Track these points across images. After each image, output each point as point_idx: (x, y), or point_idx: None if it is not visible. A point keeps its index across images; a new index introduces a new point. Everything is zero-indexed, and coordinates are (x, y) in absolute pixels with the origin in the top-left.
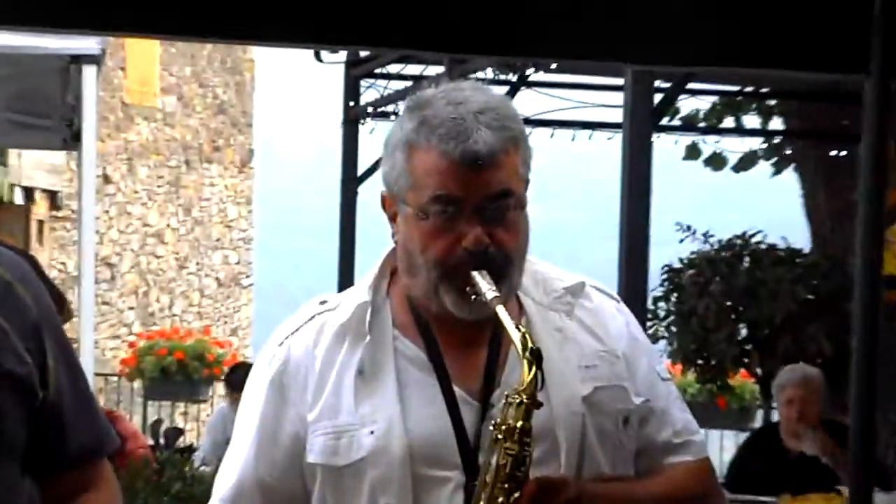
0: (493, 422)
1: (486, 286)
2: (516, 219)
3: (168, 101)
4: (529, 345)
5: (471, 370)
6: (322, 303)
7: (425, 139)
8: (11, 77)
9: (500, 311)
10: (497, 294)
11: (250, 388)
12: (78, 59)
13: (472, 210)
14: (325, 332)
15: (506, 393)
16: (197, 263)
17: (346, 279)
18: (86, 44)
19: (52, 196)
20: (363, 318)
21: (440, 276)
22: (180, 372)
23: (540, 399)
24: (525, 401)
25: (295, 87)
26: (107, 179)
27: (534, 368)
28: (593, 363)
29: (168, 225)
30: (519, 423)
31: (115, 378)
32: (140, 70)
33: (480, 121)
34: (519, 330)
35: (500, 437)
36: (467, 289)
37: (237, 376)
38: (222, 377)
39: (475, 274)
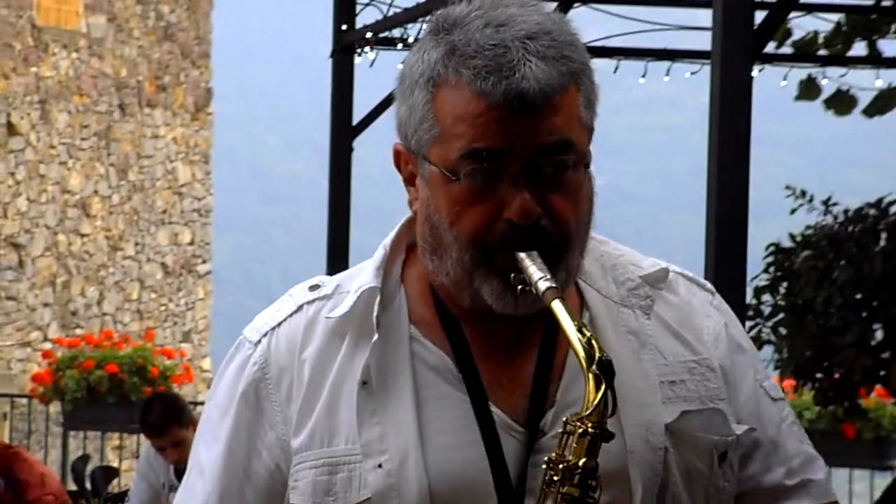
0: (545, 457)
1: (537, 272)
2: (578, 181)
3: (95, 22)
4: (597, 354)
5: (514, 384)
6: (313, 288)
7: (455, 74)
8: None
9: (557, 305)
10: (552, 283)
11: (213, 406)
12: None
13: (520, 169)
14: (318, 328)
15: (564, 419)
16: (136, 244)
17: (337, 261)
18: None
19: None
20: (370, 309)
21: (475, 258)
22: (113, 391)
23: (610, 429)
24: (590, 430)
25: (267, 4)
26: (11, 130)
27: (602, 387)
28: (680, 378)
29: (96, 192)
30: (581, 461)
31: (25, 400)
32: None
33: (530, 49)
34: (583, 333)
35: (554, 478)
36: (512, 275)
37: (156, 416)
38: None
39: (523, 256)
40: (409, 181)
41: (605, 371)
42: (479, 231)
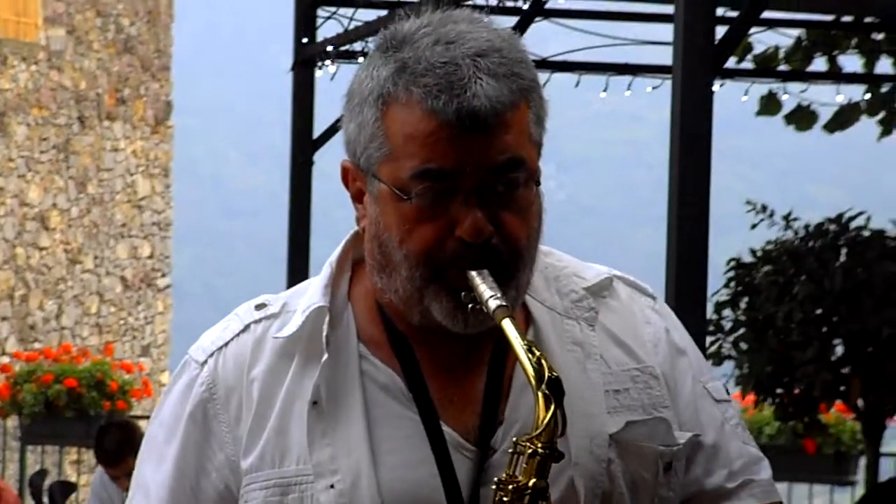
0: (495, 476)
1: (487, 291)
2: (529, 198)
3: (54, 35)
4: (546, 373)
5: (465, 402)
6: (259, 307)
7: (405, 91)
8: None
9: (507, 324)
10: (503, 302)
11: (158, 426)
12: None
13: (472, 187)
14: (266, 348)
15: (514, 439)
16: (95, 257)
17: (297, 275)
18: None
19: None
20: (319, 329)
21: (425, 275)
22: (71, 406)
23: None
24: (540, 450)
25: (228, 17)
26: None
27: (552, 406)
28: (624, 386)
29: (54, 205)
30: (531, 481)
31: None
32: None
33: (480, 66)
34: (532, 352)
35: (504, 498)
36: (462, 294)
37: (112, 443)
38: (129, 413)
39: (473, 274)
40: (357, 198)
41: (554, 390)
42: (430, 249)
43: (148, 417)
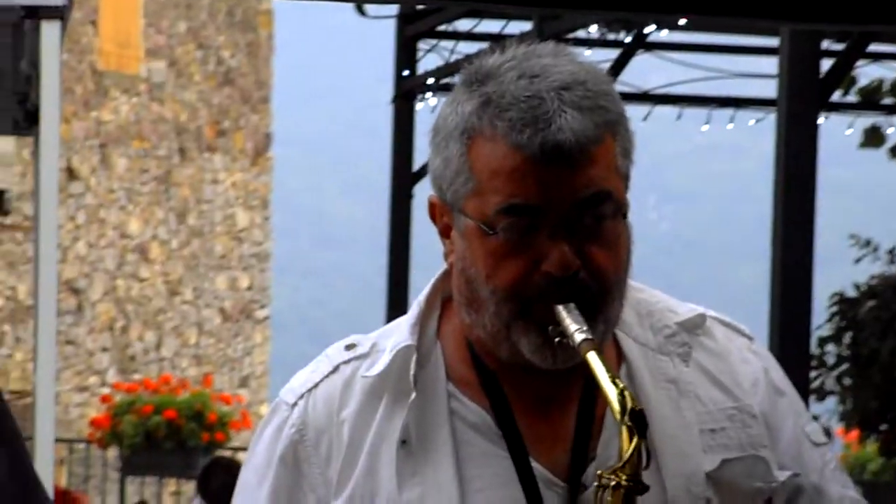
0: None
1: (573, 324)
2: (616, 231)
3: (155, 67)
4: (629, 405)
5: (555, 439)
6: (349, 347)
7: (490, 126)
8: None
9: (592, 357)
10: (589, 336)
11: (251, 468)
12: (35, 12)
13: (557, 222)
14: (355, 388)
15: (598, 472)
16: (194, 289)
17: (396, 307)
18: None
19: None
20: (406, 368)
21: (513, 310)
22: (171, 437)
23: (647, 480)
24: (624, 483)
25: (328, 49)
26: (72, 174)
27: (635, 439)
28: (720, 425)
29: (155, 236)
30: None
31: (83, 445)
32: (117, 25)
33: (565, 100)
34: (616, 384)
35: None
36: (550, 328)
37: (216, 482)
38: (227, 444)
39: (560, 308)
40: (444, 233)
41: (637, 422)
42: (517, 284)
43: (245, 449)
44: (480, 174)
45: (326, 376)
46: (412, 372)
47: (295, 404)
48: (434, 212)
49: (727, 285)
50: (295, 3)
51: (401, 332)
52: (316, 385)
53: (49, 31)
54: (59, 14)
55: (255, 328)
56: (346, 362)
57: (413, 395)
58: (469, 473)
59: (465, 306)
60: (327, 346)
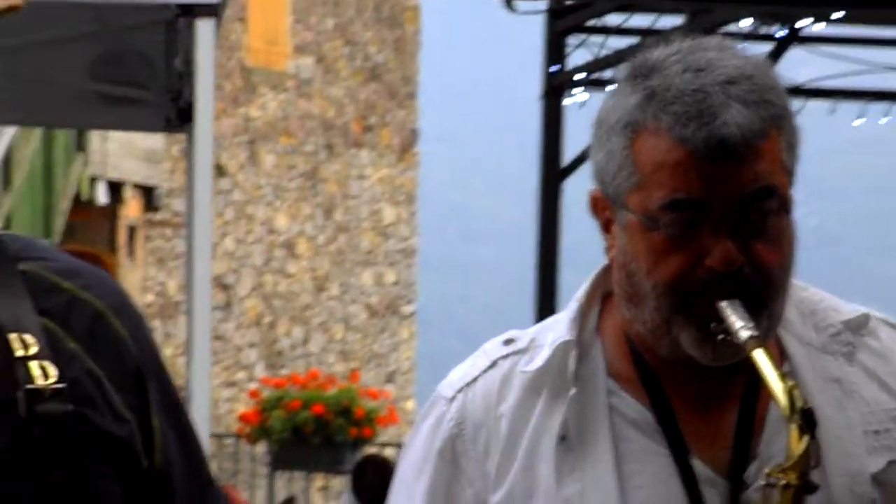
0: None
1: (738, 321)
2: (780, 227)
3: (303, 63)
4: (799, 404)
5: (715, 437)
6: (507, 342)
7: (654, 119)
8: (96, 35)
9: (759, 355)
10: (754, 332)
11: (408, 463)
12: (190, 10)
13: (721, 217)
14: (514, 383)
15: (766, 471)
16: (341, 284)
17: (545, 306)
18: None
19: (148, 193)
20: (565, 362)
21: (674, 305)
22: (319, 432)
23: (815, 480)
24: (794, 482)
25: (475, 45)
26: (220, 171)
27: (805, 437)
28: (884, 427)
29: (302, 232)
30: None
31: (232, 439)
32: (266, 22)
33: (731, 94)
34: (784, 382)
35: None
36: (712, 325)
37: (368, 481)
38: (374, 440)
39: (724, 304)
40: (606, 228)
41: (807, 421)
42: (679, 279)
43: (393, 445)
44: (644, 168)
45: (484, 371)
46: (571, 367)
47: (453, 398)
48: (596, 206)
49: (872, 281)
50: None
51: (560, 327)
52: (474, 380)
53: (204, 29)
54: (214, 12)
55: (402, 324)
56: (505, 357)
57: (573, 391)
58: (628, 469)
59: (626, 301)
60: (473, 342)
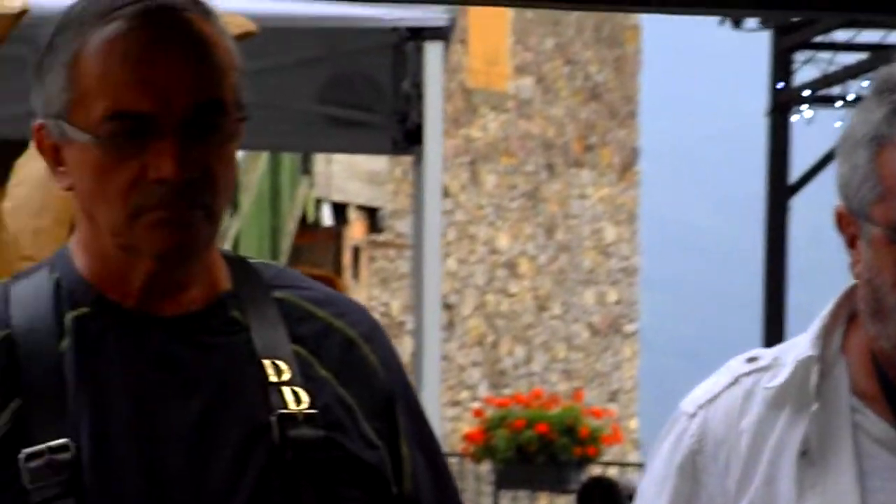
0: None
1: None
2: None
3: (523, 84)
4: None
5: None
6: (750, 360)
7: None
8: (326, 59)
9: None
10: None
11: (649, 480)
12: (419, 34)
13: None
14: (756, 399)
15: None
16: (563, 304)
17: (773, 326)
18: (428, 12)
19: (371, 215)
20: (807, 378)
21: None
22: (543, 451)
23: None
24: None
25: (696, 62)
26: (442, 191)
27: None
28: None
29: (524, 252)
30: None
31: (456, 459)
32: (486, 43)
33: None
34: None
35: None
36: None
37: (595, 502)
38: (598, 459)
39: None
40: (851, 244)
41: None
42: None
43: (616, 464)
44: (887, 181)
45: (727, 388)
46: (814, 382)
47: (694, 415)
48: (841, 222)
49: None
50: (662, 17)
51: (803, 344)
52: (716, 396)
53: (432, 52)
54: (443, 35)
55: (624, 342)
56: (747, 374)
57: (814, 406)
58: (871, 486)
59: (871, 317)
60: (696, 362)
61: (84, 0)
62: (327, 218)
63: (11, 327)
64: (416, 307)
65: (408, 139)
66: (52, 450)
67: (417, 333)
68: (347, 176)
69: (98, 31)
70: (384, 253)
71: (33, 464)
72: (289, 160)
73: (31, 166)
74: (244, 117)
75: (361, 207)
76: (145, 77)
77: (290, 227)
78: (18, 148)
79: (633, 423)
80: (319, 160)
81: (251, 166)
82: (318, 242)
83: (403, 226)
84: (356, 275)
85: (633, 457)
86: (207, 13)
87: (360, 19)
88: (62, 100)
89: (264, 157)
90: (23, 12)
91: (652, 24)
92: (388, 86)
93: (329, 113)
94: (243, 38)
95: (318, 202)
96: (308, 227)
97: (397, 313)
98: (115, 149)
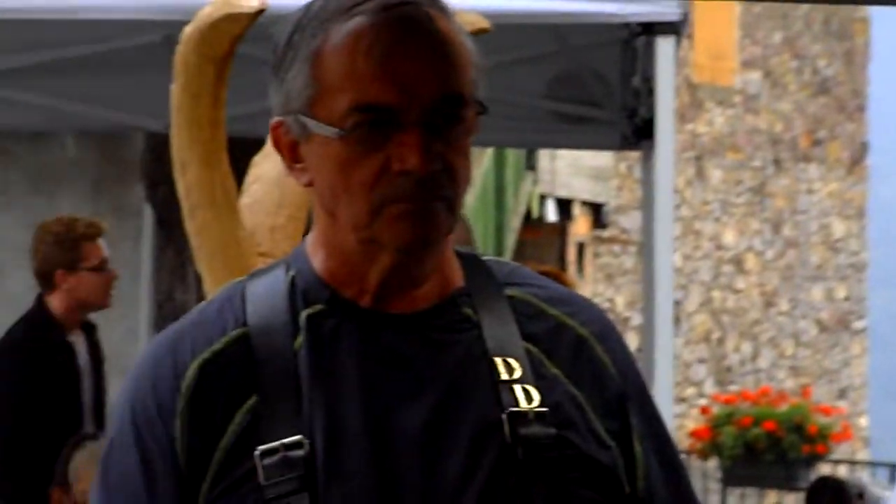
0: None
1: None
2: None
3: (750, 78)
4: None
5: None
6: None
7: None
8: (555, 55)
9: None
10: None
11: None
12: (650, 29)
13: None
14: None
15: None
16: (790, 300)
17: None
18: (660, 7)
19: (596, 210)
20: None
21: None
22: (771, 449)
23: None
24: None
25: None
26: None
27: None
28: None
29: (750, 247)
30: None
31: (683, 456)
32: (713, 38)
33: None
34: None
35: None
36: None
37: (825, 500)
38: (828, 457)
39: None
40: None
41: None
42: None
43: (846, 462)
44: None
45: None
46: None
47: None
48: None
49: None
50: (892, 9)
51: None
52: None
53: (664, 47)
54: (675, 29)
55: (853, 339)
56: None
57: None
58: None
59: None
60: None
61: None
62: (552, 214)
63: (248, 325)
64: (645, 305)
65: (636, 135)
66: (286, 446)
67: (647, 331)
68: (572, 172)
69: (340, 27)
70: (608, 249)
71: (268, 460)
72: (513, 156)
73: (266, 164)
74: (482, 111)
75: (586, 203)
76: (390, 70)
77: (514, 223)
78: (254, 145)
79: (863, 421)
80: (544, 156)
81: (475, 162)
82: (543, 238)
83: (627, 221)
84: (581, 271)
85: (862, 455)
86: (444, 10)
87: (592, 15)
88: (304, 95)
89: (489, 153)
90: (260, 11)
91: (881, 16)
92: (616, 81)
93: (556, 109)
94: (476, 34)
95: (543, 198)
96: (532, 223)
97: (622, 309)
98: (360, 142)
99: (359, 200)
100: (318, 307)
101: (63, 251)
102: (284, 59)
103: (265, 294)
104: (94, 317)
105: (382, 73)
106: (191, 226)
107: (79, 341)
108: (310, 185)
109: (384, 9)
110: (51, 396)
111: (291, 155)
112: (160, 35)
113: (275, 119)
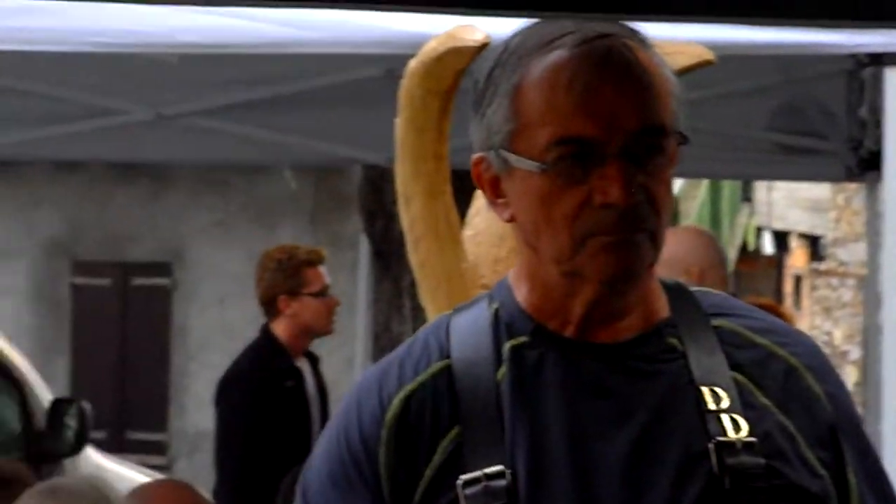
0: None
1: None
2: None
3: None
4: None
5: None
6: None
7: None
8: (779, 86)
9: None
10: None
11: None
12: (878, 59)
13: None
14: None
15: None
16: None
17: None
18: (889, 38)
19: (813, 243)
20: None
21: None
22: None
23: None
24: None
25: None
26: None
27: None
28: None
29: None
30: None
31: None
32: None
33: None
34: None
35: None
36: None
37: None
38: None
39: None
40: None
41: None
42: None
43: None
44: None
45: None
46: None
47: None
48: None
49: None
50: None
51: None
52: None
53: (892, 78)
54: None
55: None
56: None
57: None
58: None
59: None
60: None
61: (520, 34)
62: (768, 246)
63: (451, 357)
64: (869, 338)
65: (861, 166)
66: (488, 476)
67: (871, 364)
68: (788, 203)
69: (539, 61)
70: (826, 281)
71: (470, 490)
72: (728, 188)
73: None
74: (683, 142)
75: (803, 235)
76: (591, 103)
77: (730, 254)
78: None
79: None
80: (760, 188)
81: (690, 193)
82: (759, 270)
83: (846, 254)
84: (797, 303)
85: None
86: (644, 41)
87: (820, 46)
88: (505, 130)
89: (704, 184)
90: (485, 45)
91: None
92: (842, 112)
93: (779, 140)
94: (701, 66)
95: (759, 230)
96: (748, 255)
97: (840, 342)
98: (561, 175)
99: (561, 234)
100: (522, 339)
101: (285, 277)
102: (485, 95)
103: (469, 327)
104: (312, 347)
105: (583, 106)
106: (414, 258)
107: (306, 369)
108: (512, 220)
109: (583, 42)
110: (281, 422)
111: (493, 190)
112: (381, 69)
113: (476, 155)
